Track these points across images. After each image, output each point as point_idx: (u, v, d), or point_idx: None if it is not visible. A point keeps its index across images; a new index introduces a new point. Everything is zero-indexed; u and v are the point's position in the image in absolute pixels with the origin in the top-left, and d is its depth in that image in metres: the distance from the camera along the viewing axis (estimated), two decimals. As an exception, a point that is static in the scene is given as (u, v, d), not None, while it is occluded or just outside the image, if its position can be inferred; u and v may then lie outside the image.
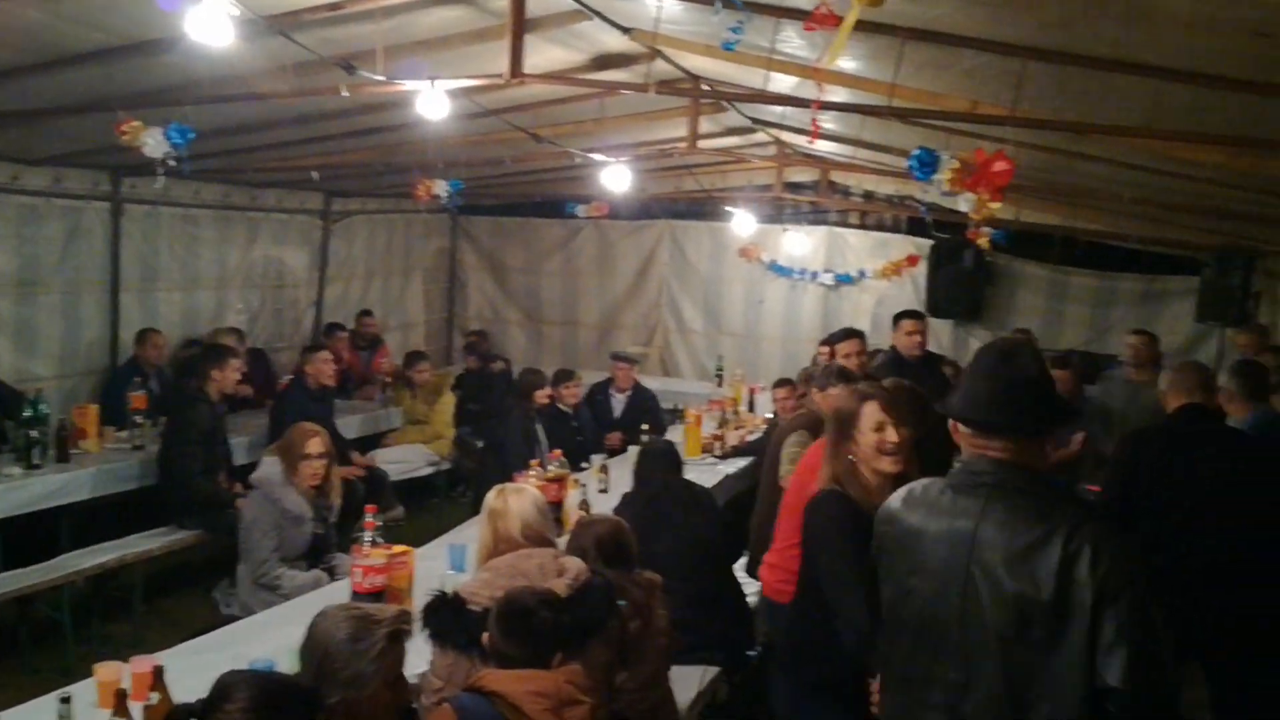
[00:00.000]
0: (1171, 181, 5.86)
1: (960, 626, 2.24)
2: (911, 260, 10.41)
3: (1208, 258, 8.60)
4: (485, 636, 2.86)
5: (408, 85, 4.78)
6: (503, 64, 4.83)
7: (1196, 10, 3.13)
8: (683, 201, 11.02)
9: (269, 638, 3.75)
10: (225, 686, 2.22)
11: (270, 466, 5.23)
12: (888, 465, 3.21)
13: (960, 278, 9.81)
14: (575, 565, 3.33)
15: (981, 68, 4.33)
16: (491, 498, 3.74)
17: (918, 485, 2.44)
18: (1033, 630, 2.14)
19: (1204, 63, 3.64)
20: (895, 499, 2.49)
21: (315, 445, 5.18)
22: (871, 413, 3.25)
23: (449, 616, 3.15)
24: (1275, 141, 4.24)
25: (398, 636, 2.53)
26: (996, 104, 4.62)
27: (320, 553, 5.24)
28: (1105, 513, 4.23)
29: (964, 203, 4.65)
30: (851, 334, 6.15)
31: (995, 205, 4.66)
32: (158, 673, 3.10)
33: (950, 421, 2.37)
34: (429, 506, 8.66)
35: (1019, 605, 2.15)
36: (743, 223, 10.14)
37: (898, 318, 6.35)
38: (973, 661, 2.22)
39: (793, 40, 4.61)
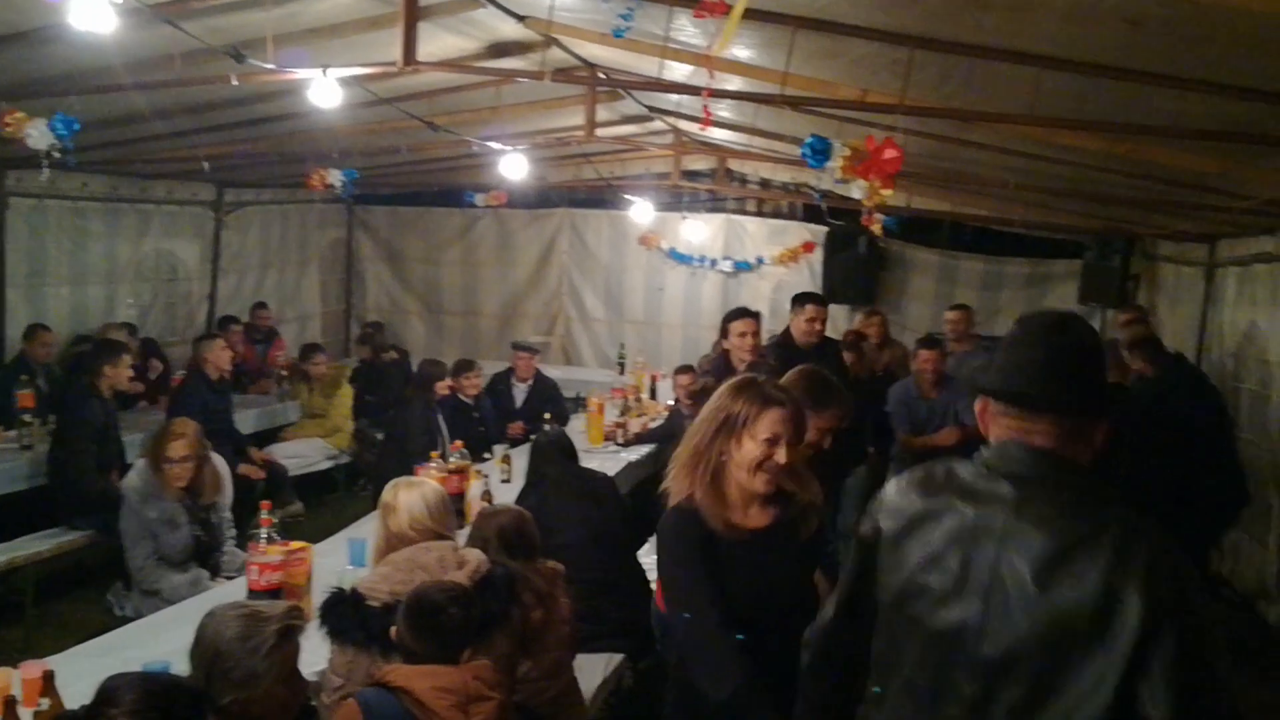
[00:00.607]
0: (1054, 167, 6.05)
1: (981, 635, 1.88)
2: (808, 247, 10.59)
3: (1089, 241, 8.92)
4: (393, 631, 2.84)
5: (299, 74, 4.70)
6: (396, 52, 4.77)
7: (1073, 1, 3.24)
8: (582, 190, 11.01)
9: (164, 640, 3.65)
10: (110, 690, 2.17)
11: (134, 475, 5.12)
12: (761, 485, 2.71)
13: (855, 263, 10.01)
14: (475, 557, 3.32)
15: (871, 57, 4.41)
16: (385, 492, 3.70)
17: (936, 469, 2.05)
18: (1067, 646, 1.80)
19: (1081, 51, 3.76)
20: (906, 482, 2.09)
21: (177, 449, 5.05)
22: (771, 422, 2.70)
23: (347, 613, 3.11)
24: (1150, 127, 4.42)
25: (289, 633, 2.49)
26: (886, 92, 4.72)
27: (208, 552, 5.13)
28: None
29: (857, 190, 4.74)
30: (745, 313, 5.94)
31: (887, 192, 4.76)
32: (48, 678, 3.01)
33: (978, 401, 2.03)
34: (329, 501, 8.52)
35: (1053, 616, 1.81)
36: (642, 211, 10.18)
37: (800, 300, 6.07)
38: (994, 675, 1.86)
39: (687, 28, 4.64)
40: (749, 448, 2.69)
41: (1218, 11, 2.88)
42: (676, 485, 2.80)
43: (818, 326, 5.99)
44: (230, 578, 4.91)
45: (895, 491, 2.09)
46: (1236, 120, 4.05)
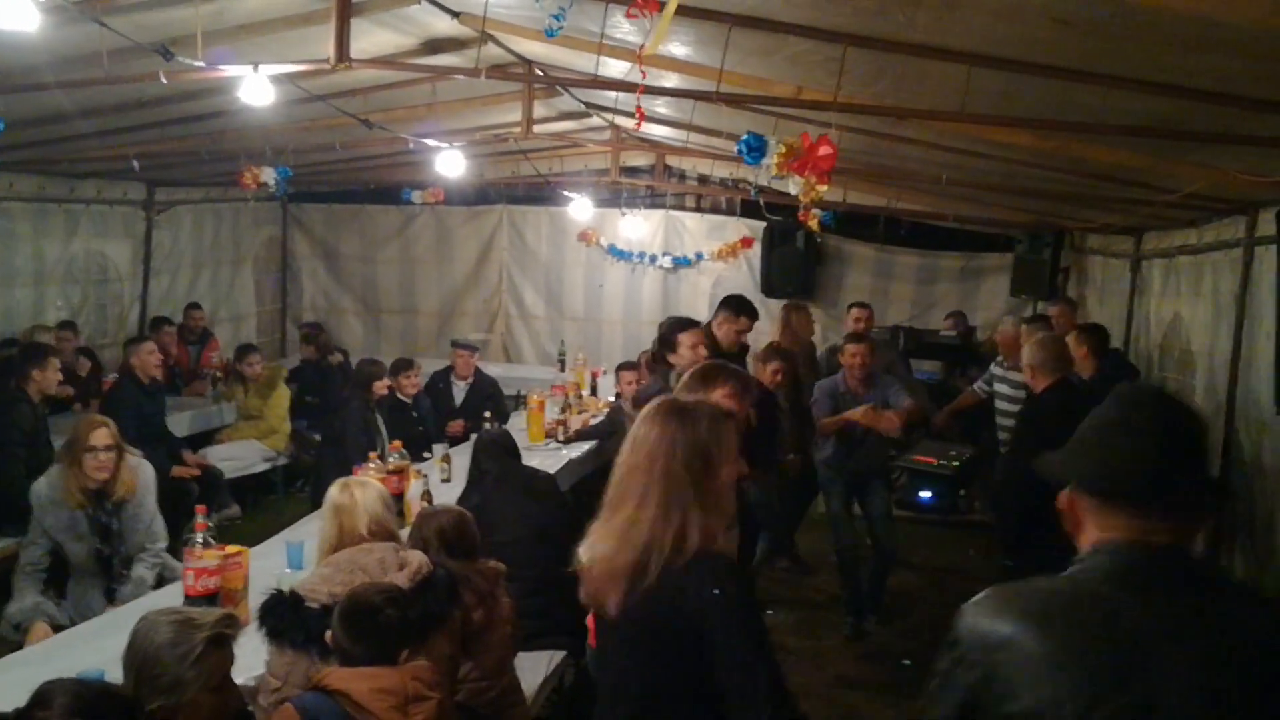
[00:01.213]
0: (985, 162, 6.15)
1: None
2: (746, 242, 10.67)
3: (1020, 235, 9.10)
4: (329, 635, 2.82)
5: (229, 71, 4.62)
6: (329, 48, 4.72)
7: (1003, 0, 3.30)
8: (521, 186, 10.98)
9: (97, 647, 3.58)
10: (42, 694, 2.16)
11: (42, 481, 4.86)
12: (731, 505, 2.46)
13: (793, 258, 10.11)
14: (417, 558, 3.30)
15: (805, 54, 4.45)
16: (335, 492, 3.66)
17: (1039, 591, 1.69)
18: None
19: (1011, 49, 3.84)
20: (1001, 607, 1.68)
21: (100, 437, 4.76)
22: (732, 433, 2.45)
23: (286, 614, 3.08)
24: (1077, 124, 4.52)
25: (220, 640, 2.47)
26: (821, 89, 4.77)
27: (108, 565, 4.85)
28: None
29: (793, 185, 4.78)
30: (692, 323, 5.91)
31: (822, 188, 4.80)
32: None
33: (1066, 494, 1.77)
34: (267, 504, 8.41)
35: None
36: (581, 207, 10.18)
37: (736, 309, 6.09)
38: None
39: (624, 25, 4.64)
40: (728, 470, 2.40)
41: (1142, 11, 2.95)
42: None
43: (744, 339, 6.32)
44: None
45: (1000, 623, 1.65)
46: (1160, 116, 4.15)
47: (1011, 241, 9.39)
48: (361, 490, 3.65)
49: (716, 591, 2.19)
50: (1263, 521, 5.48)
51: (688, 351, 5.56)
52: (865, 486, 6.48)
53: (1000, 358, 7.16)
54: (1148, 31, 3.18)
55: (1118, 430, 1.71)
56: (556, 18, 3.84)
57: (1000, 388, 6.97)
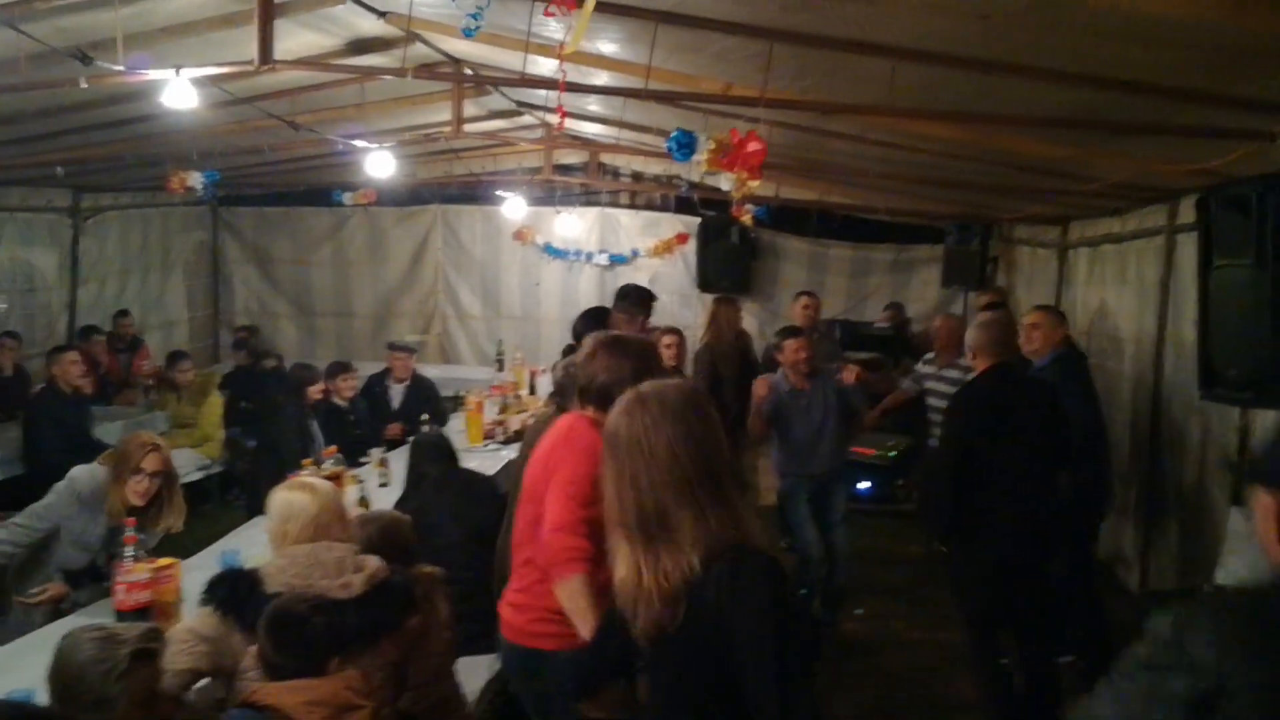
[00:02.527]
0: (913, 155, 6.22)
1: None
2: (681, 238, 10.70)
3: (950, 226, 9.22)
4: (253, 651, 2.77)
5: (151, 75, 4.52)
6: (252, 50, 4.64)
7: (925, -6, 3.35)
8: (454, 186, 10.90)
9: (28, 666, 3.48)
10: None
11: (87, 474, 4.55)
12: None
13: (728, 253, 10.17)
14: (374, 562, 3.26)
15: (731, 50, 4.47)
16: (295, 494, 3.58)
17: (1255, 615, 1.53)
18: None
19: (935, 43, 3.88)
20: (1224, 637, 1.49)
21: (152, 462, 4.48)
22: None
23: (243, 591, 3.02)
24: (1001, 116, 4.59)
25: (144, 655, 2.42)
26: (749, 85, 4.79)
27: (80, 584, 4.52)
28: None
29: (725, 181, 4.80)
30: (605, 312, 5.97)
31: (754, 183, 4.83)
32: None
33: (1269, 498, 1.67)
34: (202, 513, 8.22)
35: None
36: (515, 206, 10.13)
37: (632, 302, 5.94)
38: None
39: (550, 23, 4.63)
40: None
41: (1060, 5, 3.01)
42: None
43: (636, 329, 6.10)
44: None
45: (1224, 645, 1.47)
46: (1082, 108, 4.23)
47: (942, 233, 9.53)
48: (324, 487, 3.60)
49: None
50: (1191, 503, 5.61)
51: (625, 325, 5.62)
52: (827, 491, 6.19)
53: (931, 354, 7.17)
54: (1067, 23, 3.23)
55: None
56: (474, 16, 3.81)
57: (934, 385, 6.91)
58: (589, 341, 3.40)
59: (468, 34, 3.98)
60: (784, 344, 6.18)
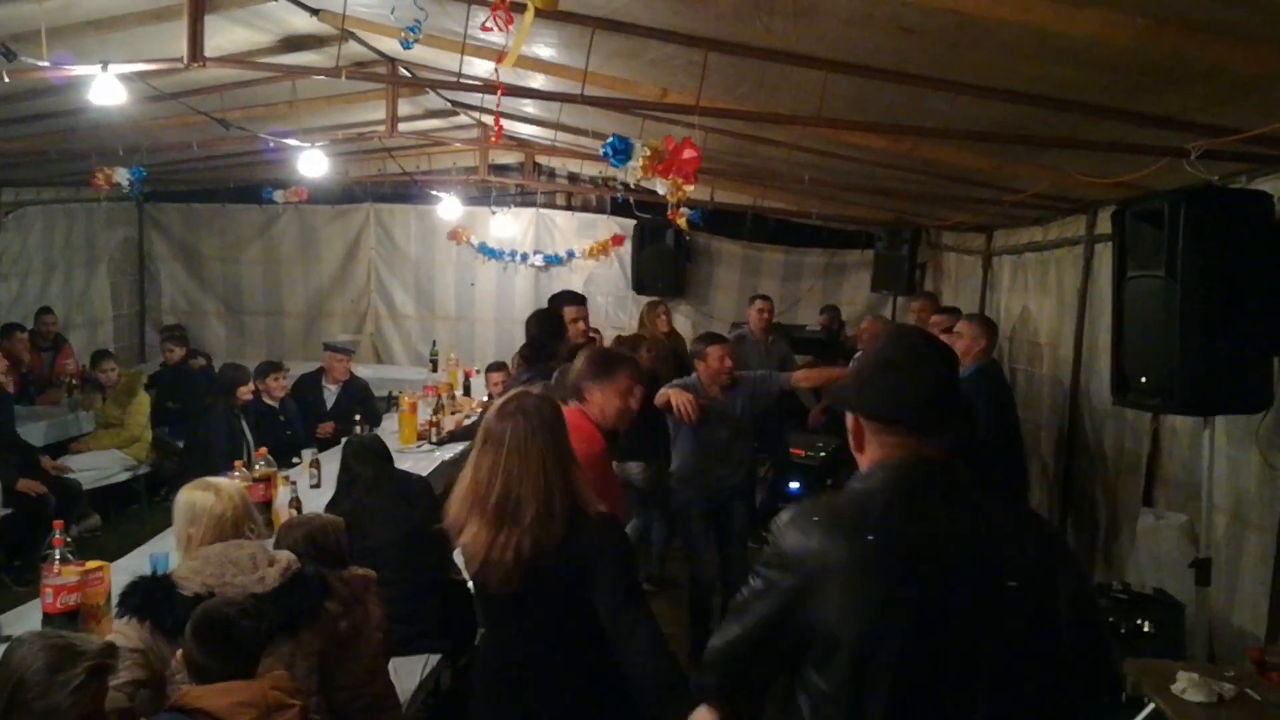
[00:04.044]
0: (843, 163, 6.35)
1: (952, 661, 1.87)
2: (617, 240, 10.75)
3: (880, 232, 9.40)
4: (179, 655, 2.77)
5: (76, 71, 4.45)
6: (182, 46, 4.59)
7: (854, 8, 3.42)
8: (387, 184, 10.83)
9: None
10: None
11: None
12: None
13: (663, 256, 10.24)
14: (286, 556, 3.27)
15: (668, 57, 4.53)
16: (199, 494, 3.56)
17: (841, 503, 2.03)
18: (1022, 648, 1.88)
19: (863, 56, 3.98)
20: (815, 522, 1.97)
21: None
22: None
23: (159, 596, 3.01)
24: (926, 128, 4.71)
25: (100, 671, 2.40)
26: (685, 92, 4.86)
27: None
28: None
29: (660, 185, 4.86)
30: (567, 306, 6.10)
31: (689, 188, 4.90)
32: None
33: (850, 418, 2.09)
34: (129, 514, 8.12)
35: (1010, 604, 1.88)
36: (449, 206, 10.09)
37: (560, 300, 6.02)
38: (975, 671, 1.87)
39: (488, 21, 4.64)
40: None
41: (983, 22, 3.11)
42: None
43: (581, 325, 6.14)
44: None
45: (808, 535, 1.95)
46: (1003, 122, 4.36)
47: (872, 238, 9.70)
48: (229, 486, 3.60)
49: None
50: (1105, 503, 5.80)
51: (570, 326, 5.86)
52: (726, 508, 5.81)
53: (859, 354, 7.32)
54: (988, 40, 3.34)
55: (895, 367, 2.04)
56: (412, 29, 3.83)
57: None
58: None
59: (406, 45, 3.99)
60: (707, 351, 5.69)
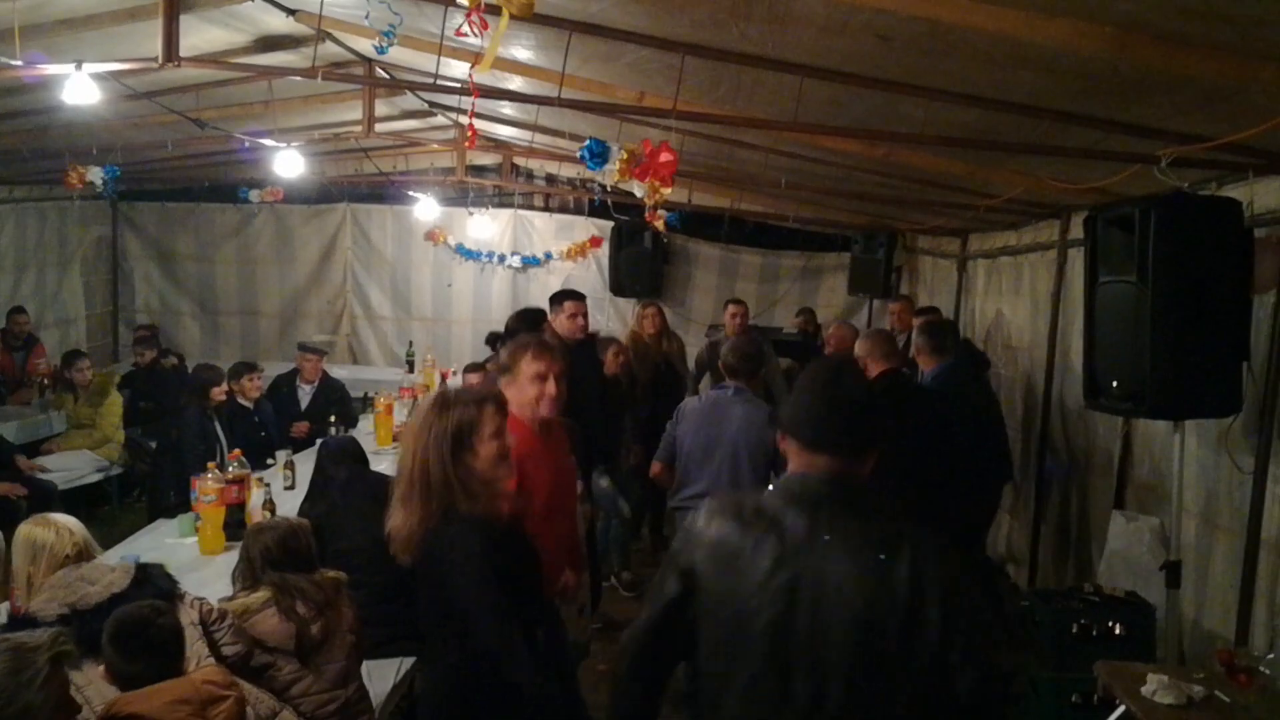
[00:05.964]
0: (820, 167, 6.38)
1: (810, 641, 2.10)
2: (595, 242, 10.76)
3: (856, 236, 9.44)
4: (102, 669, 2.76)
5: (49, 70, 4.42)
6: (157, 45, 4.56)
7: (829, 15, 3.44)
8: (364, 184, 10.79)
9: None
10: None
11: None
12: (505, 475, 2.86)
13: (641, 258, 10.26)
14: (117, 565, 3.31)
15: (645, 61, 4.54)
16: (39, 531, 3.52)
17: (745, 502, 2.27)
18: (880, 649, 2.07)
19: (838, 62, 4.01)
20: (718, 516, 2.25)
21: None
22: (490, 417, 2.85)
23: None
24: (900, 133, 4.74)
25: (59, 659, 2.39)
26: (662, 95, 4.87)
27: None
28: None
29: (638, 188, 4.87)
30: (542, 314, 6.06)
31: (666, 191, 4.91)
32: None
33: (779, 433, 2.34)
34: (101, 515, 8.05)
35: (869, 623, 2.08)
36: (427, 206, 10.06)
37: (559, 298, 6.03)
38: (825, 677, 2.09)
39: (464, 26, 4.63)
40: (483, 451, 2.86)
41: (956, 30, 3.13)
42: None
43: (580, 321, 6.03)
44: None
45: (709, 526, 2.24)
46: (976, 127, 4.40)
47: (848, 242, 9.74)
48: (68, 523, 3.58)
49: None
50: (1076, 505, 5.85)
51: (566, 321, 5.85)
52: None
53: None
54: (961, 48, 3.37)
55: (801, 392, 2.32)
56: (388, 34, 3.82)
57: None
58: None
59: (380, 51, 3.98)
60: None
